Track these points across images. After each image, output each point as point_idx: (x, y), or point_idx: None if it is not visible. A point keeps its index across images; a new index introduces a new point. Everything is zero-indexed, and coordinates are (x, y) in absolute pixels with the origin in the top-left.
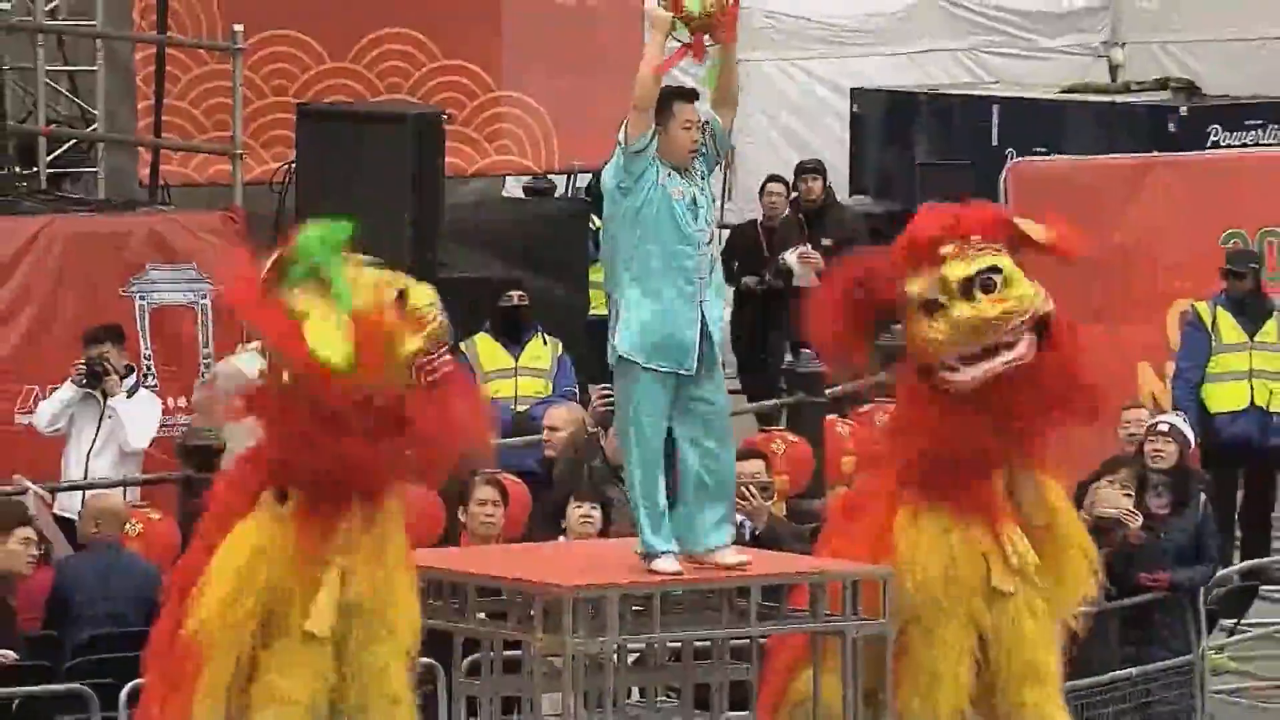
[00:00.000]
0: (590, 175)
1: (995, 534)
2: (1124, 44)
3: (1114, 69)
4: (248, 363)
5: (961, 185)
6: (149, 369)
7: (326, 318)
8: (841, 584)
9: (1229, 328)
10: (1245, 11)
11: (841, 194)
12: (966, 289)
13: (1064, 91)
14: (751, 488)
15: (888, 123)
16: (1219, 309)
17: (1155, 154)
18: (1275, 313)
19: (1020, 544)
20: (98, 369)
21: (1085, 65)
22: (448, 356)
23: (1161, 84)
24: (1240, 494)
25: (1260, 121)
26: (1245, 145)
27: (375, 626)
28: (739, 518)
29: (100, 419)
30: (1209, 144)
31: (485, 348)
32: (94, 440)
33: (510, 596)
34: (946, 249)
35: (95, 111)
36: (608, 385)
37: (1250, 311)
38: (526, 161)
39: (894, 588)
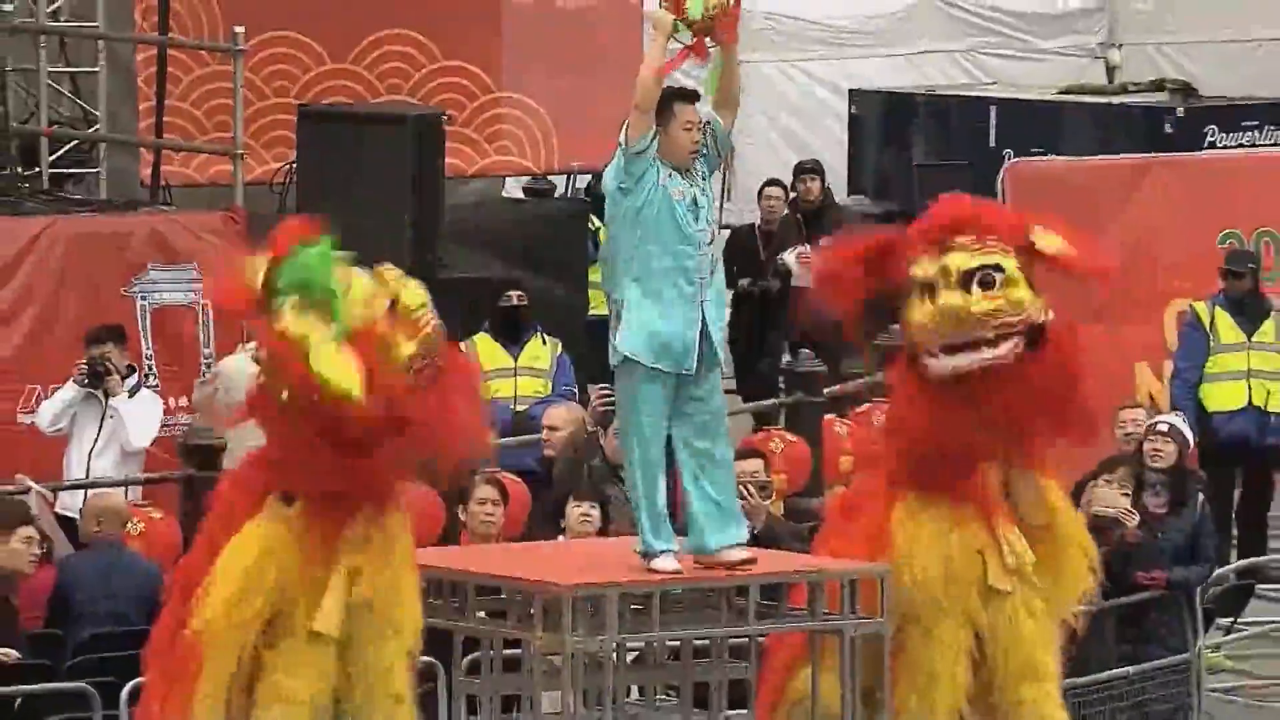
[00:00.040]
0: (590, 176)
1: (992, 533)
2: (1120, 45)
3: (1111, 70)
4: (248, 363)
5: (959, 186)
6: (150, 369)
7: (327, 339)
8: (839, 583)
9: (1227, 328)
10: (1241, 13)
11: (840, 195)
12: (965, 280)
13: (1061, 93)
14: (750, 487)
15: (886, 124)
16: (1217, 309)
17: (1152, 155)
18: (1273, 313)
19: (1017, 543)
20: (99, 369)
21: (1082, 66)
22: (442, 357)
23: (1158, 85)
24: (1237, 493)
25: (1256, 122)
26: (1242, 146)
27: (380, 626)
28: None
29: (102, 419)
30: (1205, 145)
31: (485, 348)
32: (96, 440)
33: (510, 595)
34: (960, 239)
35: (97, 112)
36: (607, 385)
37: (1249, 311)
38: (526, 162)
39: (891, 586)
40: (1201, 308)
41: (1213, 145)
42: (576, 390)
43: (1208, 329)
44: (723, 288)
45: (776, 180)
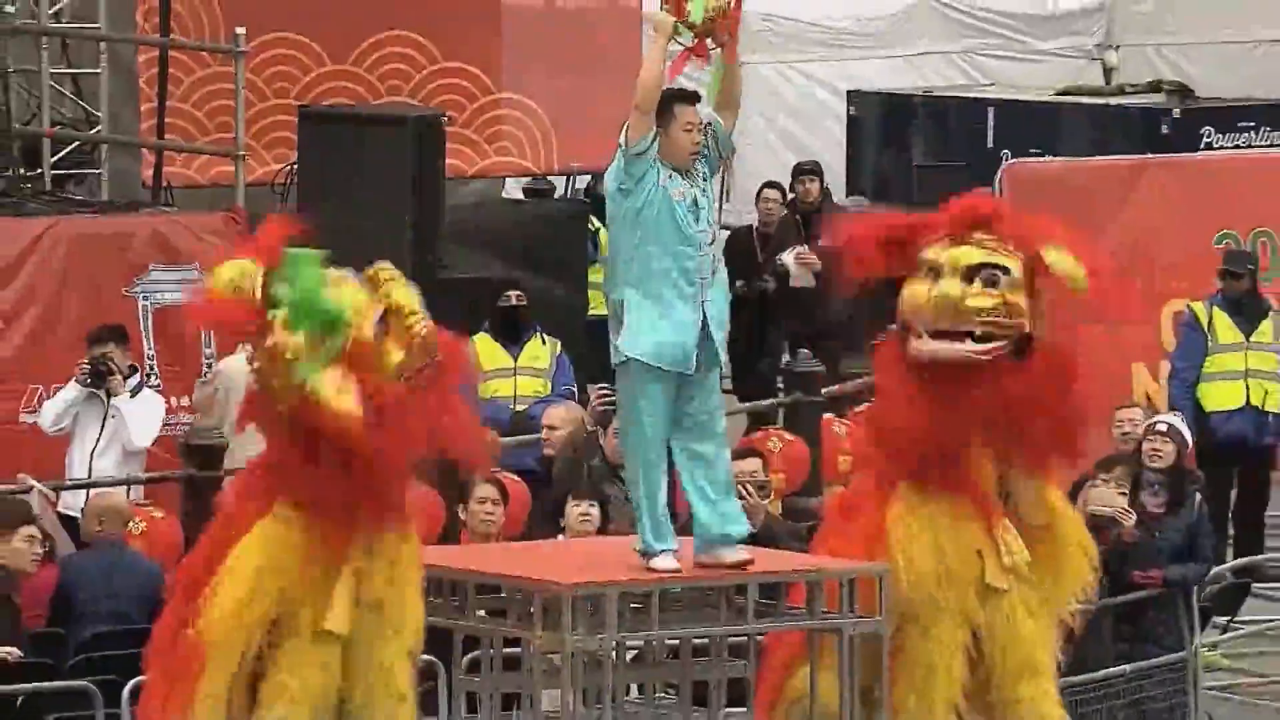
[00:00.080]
0: (589, 176)
1: (990, 532)
2: (1118, 47)
3: (1108, 71)
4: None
5: (957, 187)
6: (152, 369)
7: (318, 361)
8: (838, 582)
9: (1225, 328)
10: (1237, 14)
11: (839, 195)
12: (970, 274)
13: (1058, 94)
14: (749, 486)
15: (884, 125)
16: (1215, 309)
17: (1149, 155)
18: (1271, 313)
19: (1014, 543)
20: (102, 369)
21: (1079, 68)
22: (437, 359)
23: (1155, 86)
24: (1234, 492)
25: (1252, 123)
26: (1238, 147)
27: (383, 625)
28: None
29: (104, 418)
30: (1202, 146)
31: (484, 348)
32: (98, 439)
33: (510, 594)
34: (976, 235)
35: (99, 113)
36: (606, 385)
37: (1247, 312)
38: (526, 163)
39: (889, 586)
40: (1199, 308)
41: (1209, 146)
42: (576, 390)
43: (1206, 329)
44: (725, 288)
45: (774, 182)
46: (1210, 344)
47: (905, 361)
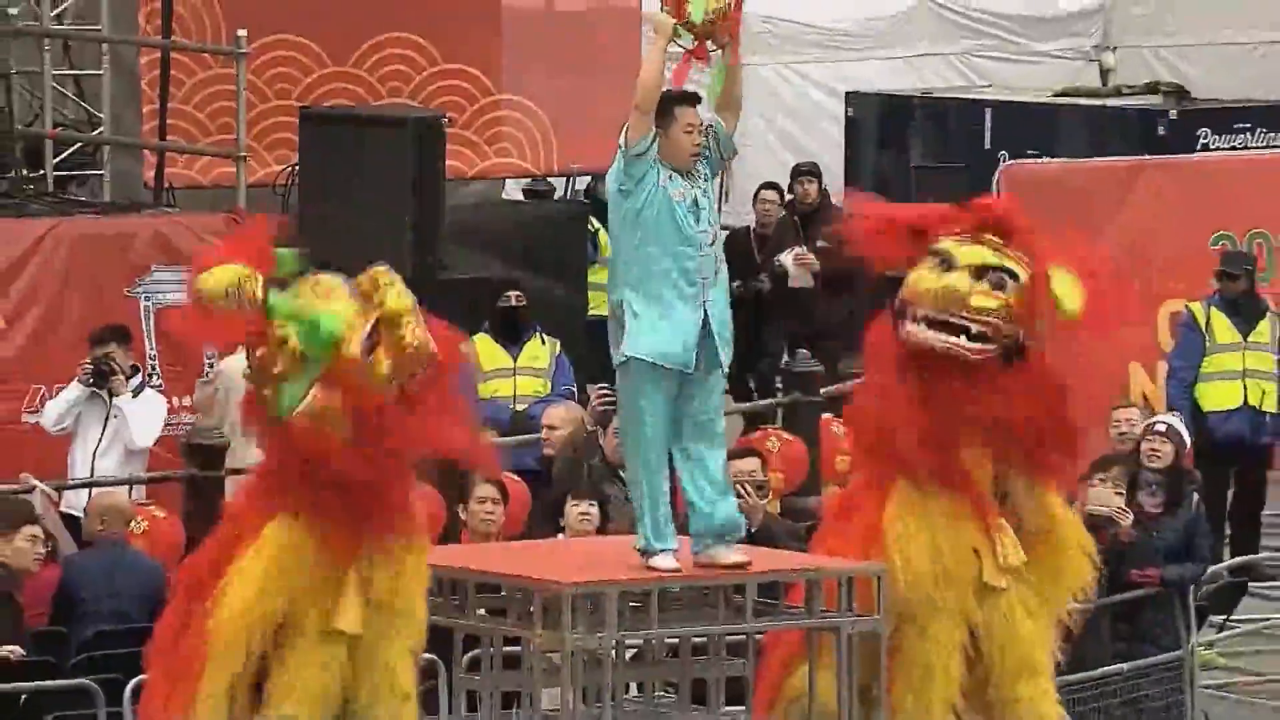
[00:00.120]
0: (589, 177)
1: (987, 531)
2: (1115, 48)
3: (1105, 73)
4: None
5: (955, 188)
6: (154, 369)
7: (306, 380)
8: (836, 581)
9: (1223, 328)
10: (1234, 16)
11: (837, 196)
12: (979, 272)
13: (1056, 95)
14: (747, 486)
15: (882, 126)
16: (1213, 309)
17: (1146, 157)
18: (1268, 313)
19: (1009, 545)
20: (104, 369)
21: (1077, 69)
22: (432, 364)
23: (1151, 88)
24: (1231, 492)
25: (1249, 125)
26: (1234, 148)
27: (388, 625)
28: None
29: (106, 418)
30: (1199, 147)
31: (484, 348)
32: (100, 439)
33: (510, 593)
34: (993, 237)
35: (101, 115)
36: (606, 385)
37: (1244, 312)
38: (526, 164)
39: (888, 584)
40: (1197, 308)
41: (1206, 147)
42: (575, 390)
43: (1203, 329)
44: (726, 289)
45: (772, 183)
46: (1208, 344)
47: (895, 349)
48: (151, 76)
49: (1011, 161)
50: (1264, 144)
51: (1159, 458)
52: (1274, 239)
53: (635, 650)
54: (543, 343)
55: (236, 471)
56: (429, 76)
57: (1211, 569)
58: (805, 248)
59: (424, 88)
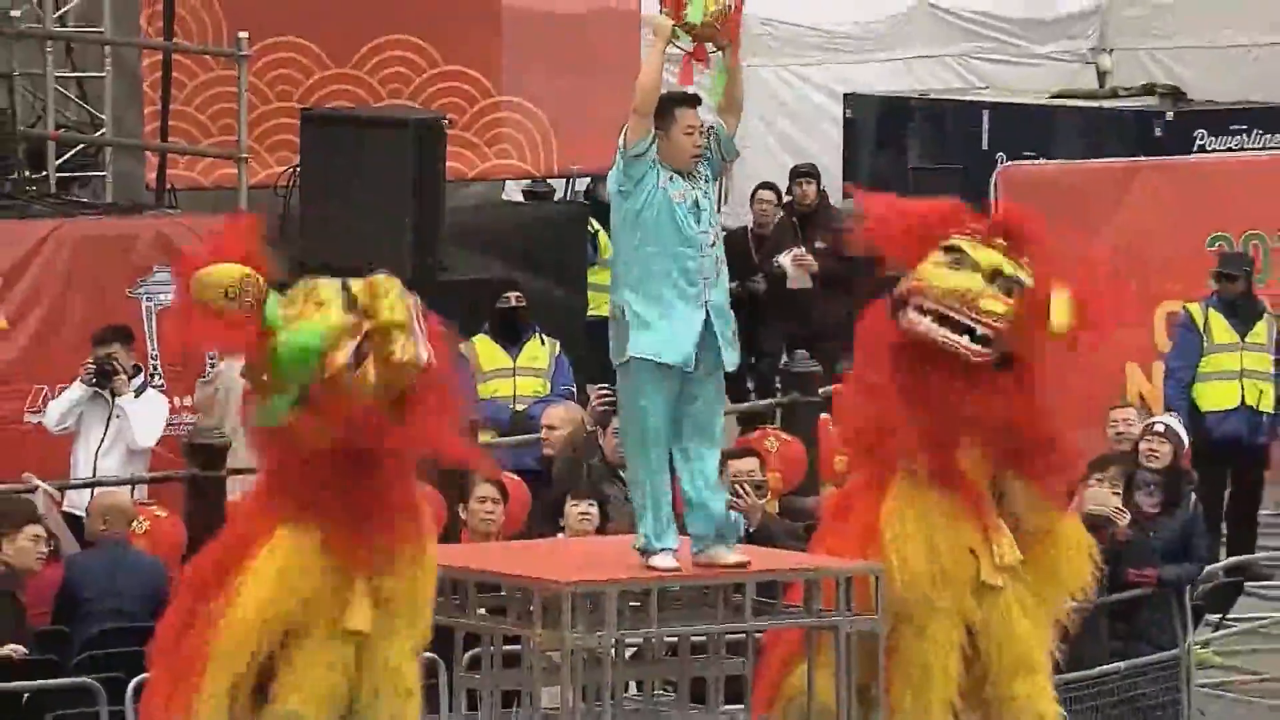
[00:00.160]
0: (589, 179)
1: (983, 530)
2: (1111, 50)
3: (1102, 75)
4: None
5: (953, 189)
6: (155, 369)
7: (290, 394)
8: (835, 580)
9: (1221, 329)
10: (1230, 18)
11: (835, 197)
12: (991, 276)
13: (1053, 97)
14: (746, 485)
15: (881, 127)
16: (1211, 310)
17: (1142, 158)
18: (1266, 314)
19: (1006, 545)
20: (107, 369)
21: (1074, 71)
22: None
23: (1148, 89)
24: (1228, 492)
25: (1245, 126)
26: (1230, 150)
27: (394, 623)
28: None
29: (108, 418)
30: (1195, 148)
31: (484, 348)
32: (102, 439)
33: (510, 592)
34: (1003, 242)
35: (103, 116)
36: (605, 385)
37: (1242, 313)
38: (526, 166)
39: (886, 584)
40: (1195, 309)
41: (1202, 149)
42: (575, 390)
43: (1201, 330)
44: (727, 289)
45: (769, 183)
46: (1206, 344)
47: (891, 340)
48: (153, 78)
49: (1009, 163)
50: (1260, 145)
51: (1157, 458)
52: (1270, 240)
53: (635, 649)
54: (542, 343)
55: (238, 471)
56: (429, 78)
57: (1208, 569)
58: (803, 249)
59: (424, 89)
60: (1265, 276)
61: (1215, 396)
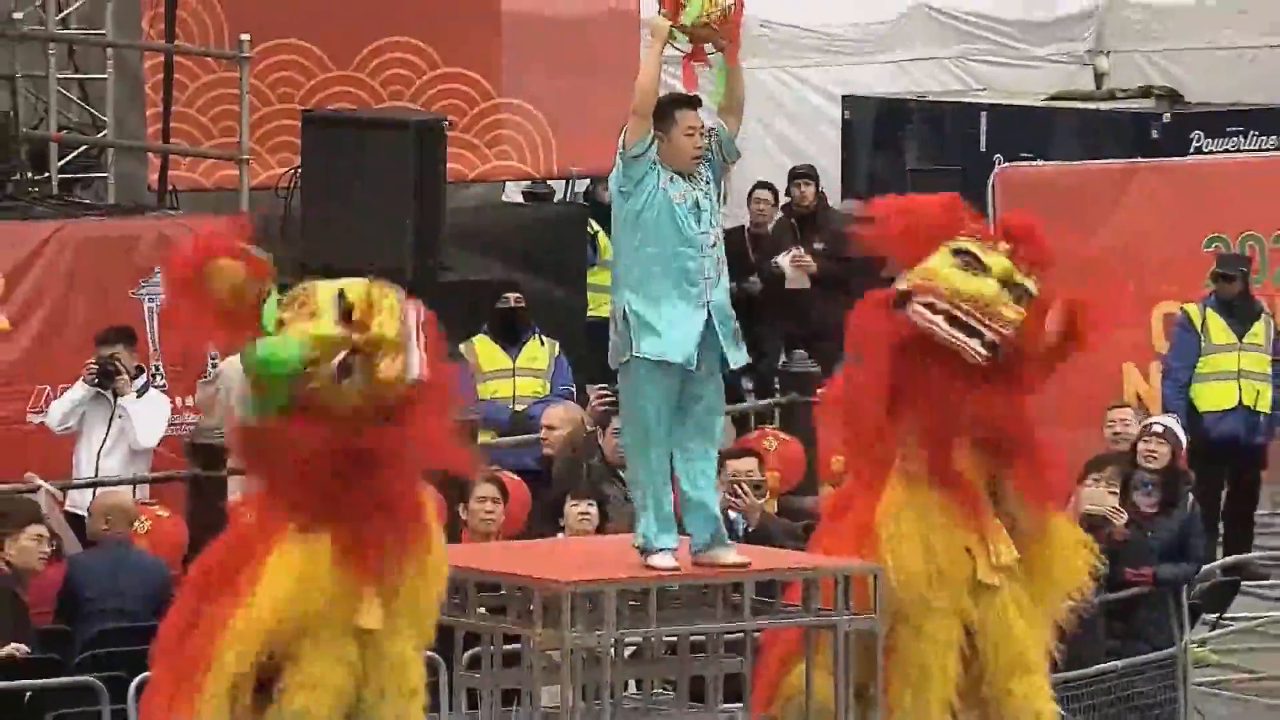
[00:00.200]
0: (588, 180)
1: (979, 530)
2: (1109, 52)
3: (1099, 77)
4: None
5: (950, 190)
6: (157, 369)
7: (275, 401)
8: (833, 579)
9: (1219, 329)
10: (1227, 21)
11: (834, 198)
12: (1003, 282)
13: (1050, 99)
14: (744, 485)
15: (879, 129)
16: (1208, 310)
17: (1139, 160)
18: (1263, 315)
19: (1002, 546)
20: (109, 369)
21: (1071, 73)
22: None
23: (1145, 92)
24: (1225, 491)
25: (1241, 128)
26: (1227, 151)
27: (399, 623)
28: (732, 515)
29: (111, 418)
30: (1192, 150)
31: (484, 349)
32: (104, 439)
33: (510, 592)
34: (1007, 246)
35: (105, 118)
36: (605, 385)
37: (1239, 314)
38: (526, 167)
39: (884, 584)
40: (1193, 309)
41: (1199, 150)
42: (575, 390)
43: (1199, 330)
44: (728, 290)
45: (766, 183)
46: (1203, 345)
47: (891, 337)
48: (155, 80)
49: (1006, 164)
50: (1256, 147)
51: (1156, 459)
52: (1267, 241)
53: (634, 648)
54: (541, 344)
55: (239, 471)
56: (430, 80)
57: (1205, 568)
58: (802, 250)
59: (425, 91)
60: (1261, 277)
61: (1213, 397)
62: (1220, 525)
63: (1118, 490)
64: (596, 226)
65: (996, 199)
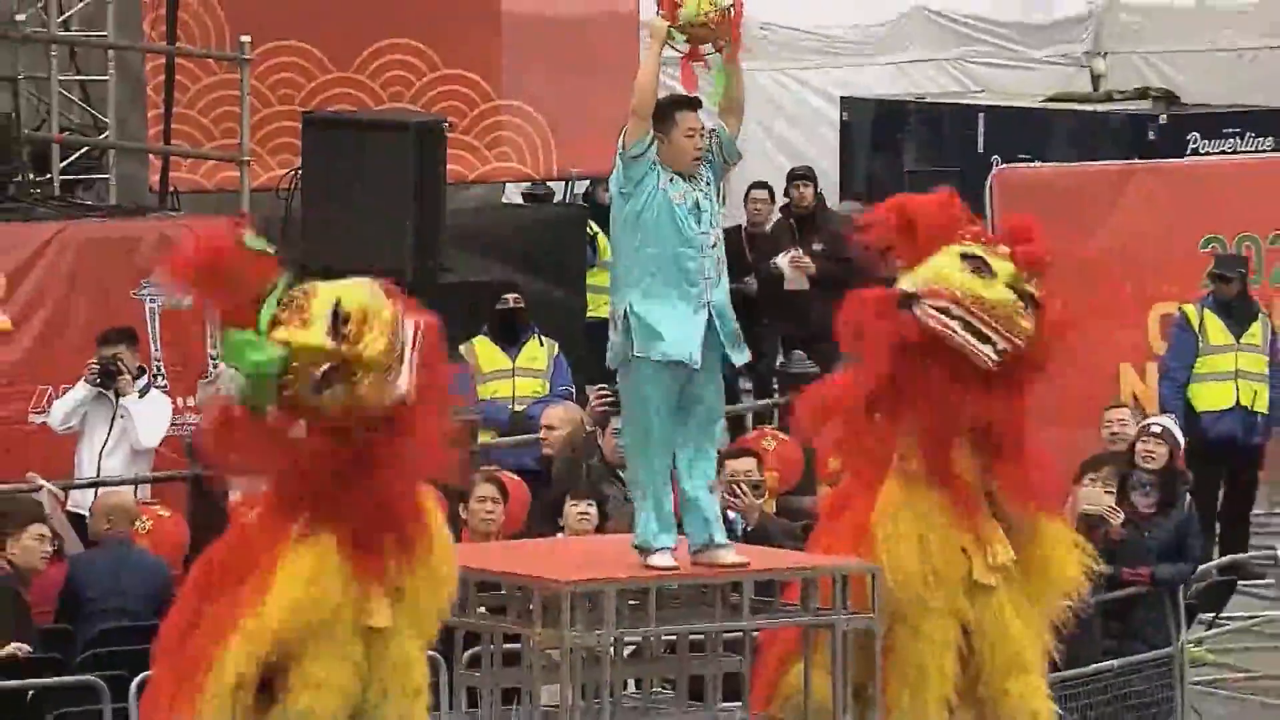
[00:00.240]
0: (588, 181)
1: (976, 530)
2: (1106, 54)
3: (1096, 79)
4: None
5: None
6: (159, 370)
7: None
8: (832, 579)
9: (1216, 330)
10: (1223, 23)
11: (832, 199)
12: (1013, 288)
13: (1048, 100)
14: (743, 485)
15: (877, 130)
16: (1206, 311)
17: (1136, 161)
18: (1261, 315)
19: (999, 546)
20: (111, 369)
21: (1068, 75)
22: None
23: (1141, 93)
24: (1221, 491)
25: (1237, 129)
26: (1224, 153)
27: (403, 620)
28: (731, 515)
29: (113, 418)
30: (1188, 151)
31: (483, 350)
32: (106, 439)
33: (510, 591)
34: (1008, 249)
35: (107, 119)
36: (605, 385)
37: (1237, 314)
38: (525, 168)
39: (882, 583)
40: (1191, 310)
41: (1195, 152)
42: (574, 390)
43: (1197, 331)
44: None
45: (763, 183)
46: (1201, 345)
47: (893, 338)
48: (156, 82)
49: (1004, 165)
50: (1253, 148)
51: (1154, 459)
52: (1263, 242)
53: (633, 647)
54: (541, 344)
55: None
56: (430, 81)
57: (1201, 567)
58: (800, 251)
59: (425, 93)
60: (1258, 278)
61: (1210, 397)
62: (1217, 525)
63: (1114, 490)
64: (596, 228)
65: (994, 200)
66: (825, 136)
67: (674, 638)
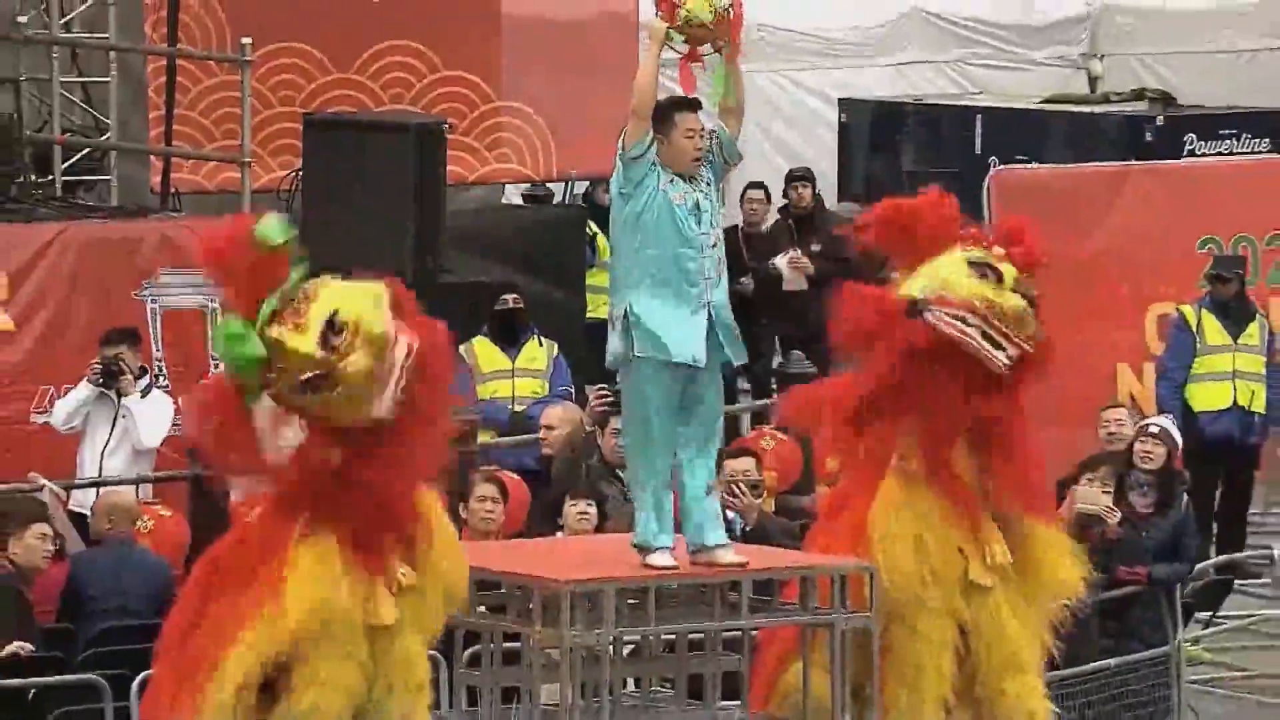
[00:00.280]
0: (587, 182)
1: (973, 530)
2: (1103, 56)
3: (1093, 80)
4: None
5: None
6: (160, 370)
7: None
8: (830, 578)
9: (1214, 330)
10: (1219, 25)
11: (830, 200)
12: (1019, 293)
13: (1045, 102)
14: (742, 485)
15: (875, 132)
16: (1204, 312)
17: (1133, 162)
18: (1258, 316)
19: (997, 546)
20: (113, 369)
21: (1065, 76)
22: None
23: (1138, 95)
24: (1219, 491)
25: (1234, 131)
26: (1220, 154)
27: (406, 620)
28: (730, 514)
29: (115, 418)
30: (1185, 153)
31: (483, 350)
32: (108, 439)
33: (510, 591)
34: (1007, 251)
35: (108, 121)
36: (604, 385)
37: (1234, 315)
38: (525, 170)
39: (880, 583)
40: (1189, 310)
41: (1192, 153)
42: (573, 391)
43: (1194, 331)
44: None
45: (759, 183)
46: (1199, 346)
47: (898, 343)
48: (158, 84)
49: (1001, 167)
50: (1249, 149)
51: (1152, 460)
52: (1259, 243)
53: (633, 646)
54: (540, 344)
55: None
56: (430, 83)
57: (1198, 567)
58: (799, 251)
59: (425, 94)
60: (1254, 279)
61: (1208, 397)
62: (1214, 524)
63: (1111, 490)
64: (595, 228)
65: (991, 201)
66: (823, 138)
67: (673, 637)
